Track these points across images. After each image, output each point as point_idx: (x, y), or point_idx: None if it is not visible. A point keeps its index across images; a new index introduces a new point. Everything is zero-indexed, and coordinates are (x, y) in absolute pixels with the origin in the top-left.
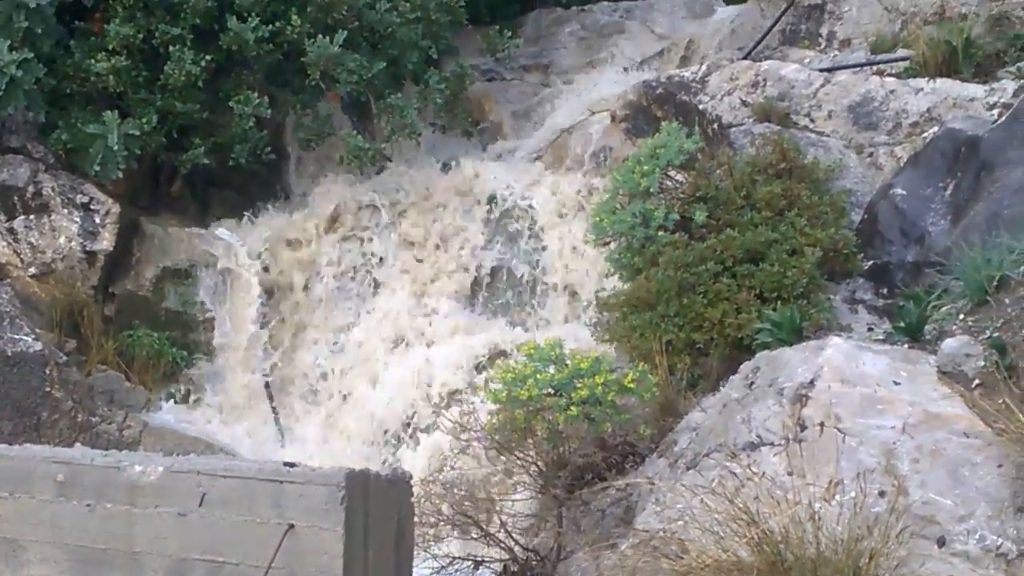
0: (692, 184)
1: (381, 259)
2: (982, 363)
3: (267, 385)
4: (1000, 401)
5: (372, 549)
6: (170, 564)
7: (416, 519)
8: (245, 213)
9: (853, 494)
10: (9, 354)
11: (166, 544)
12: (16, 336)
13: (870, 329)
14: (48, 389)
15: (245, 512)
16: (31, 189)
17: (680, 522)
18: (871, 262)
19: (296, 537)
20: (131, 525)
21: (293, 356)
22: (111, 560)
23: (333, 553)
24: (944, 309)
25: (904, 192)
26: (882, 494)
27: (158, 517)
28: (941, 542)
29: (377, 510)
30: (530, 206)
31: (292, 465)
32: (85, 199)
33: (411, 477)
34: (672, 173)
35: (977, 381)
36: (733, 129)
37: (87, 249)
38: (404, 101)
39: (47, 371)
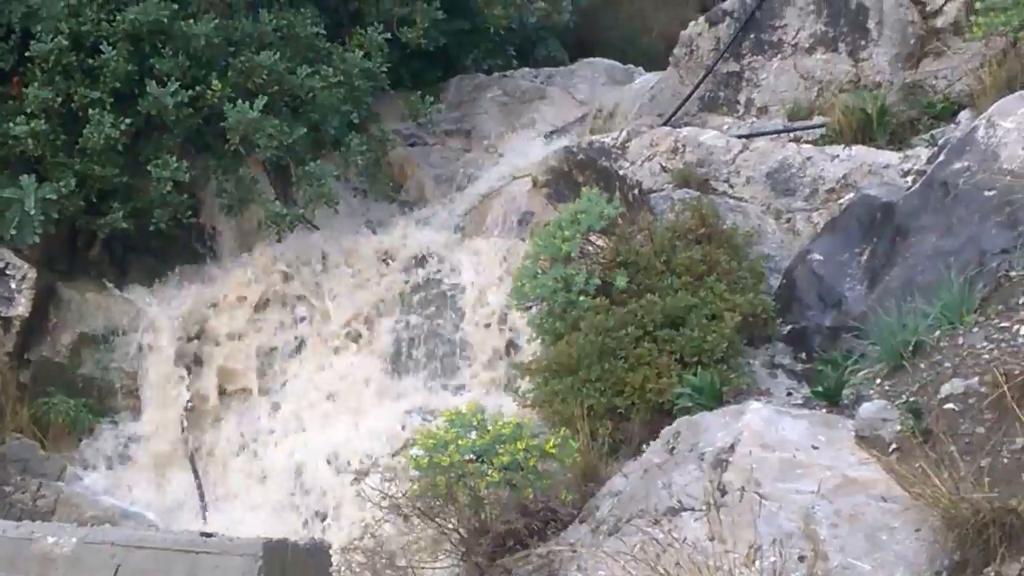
0: (613, 249)
1: (304, 326)
2: (899, 427)
3: (191, 456)
4: (916, 465)
5: None
6: None
7: None
8: (166, 276)
9: (773, 559)
10: None
11: None
12: None
13: (789, 393)
14: None
15: None
16: None
17: None
18: (789, 327)
19: None
20: None
21: (215, 424)
22: None
23: None
24: (861, 374)
25: (821, 258)
26: (802, 559)
27: None
28: None
29: None
30: (452, 270)
31: (209, 535)
32: (0, 264)
33: (330, 546)
34: (593, 238)
35: (894, 445)
36: (653, 194)
37: (2, 315)
38: (322, 169)
39: None
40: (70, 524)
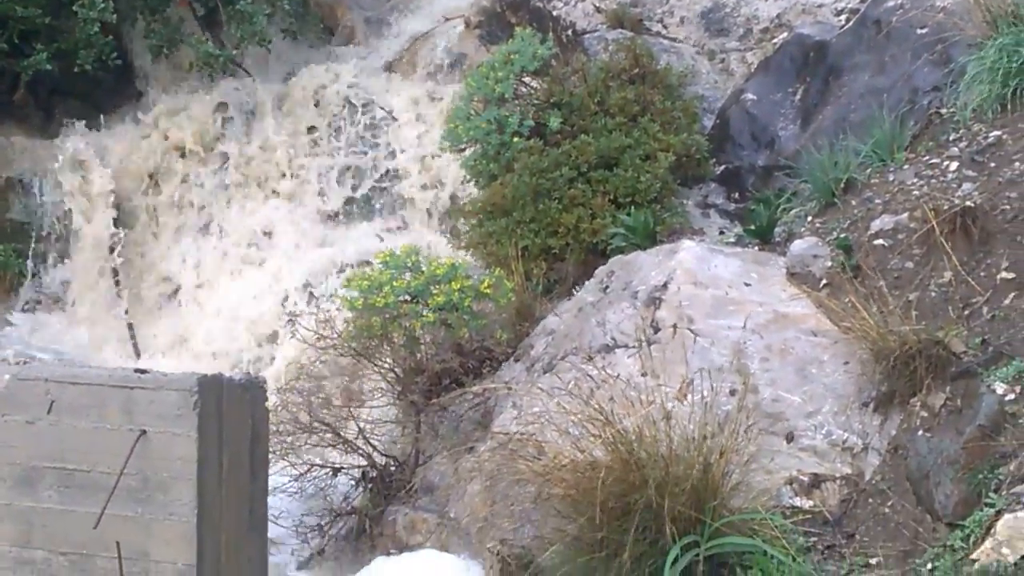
0: (546, 90)
1: (236, 166)
2: (829, 263)
3: (118, 295)
4: (846, 300)
5: (226, 453)
6: (19, 472)
7: (274, 428)
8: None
9: (704, 393)
10: None
11: (15, 452)
12: None
13: (722, 232)
14: None
15: (95, 419)
16: None
17: (537, 424)
18: (723, 167)
19: (148, 443)
20: None
21: (146, 265)
22: None
23: (187, 458)
24: (793, 212)
25: (755, 97)
26: (732, 392)
27: (5, 426)
28: (790, 438)
29: (231, 414)
30: (384, 113)
31: (143, 372)
32: None
33: (265, 382)
34: (526, 79)
35: (824, 281)
36: (587, 35)
37: None
38: (253, 7)
39: None
40: (2, 363)
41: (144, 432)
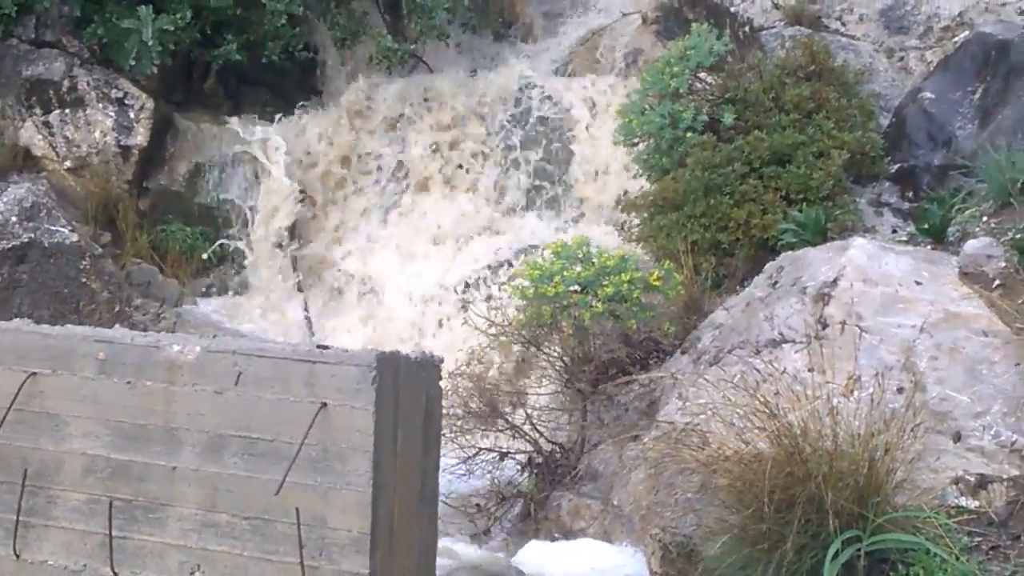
0: (721, 86)
1: (414, 158)
2: (1003, 264)
3: (297, 285)
4: (1020, 301)
5: (402, 427)
6: (207, 440)
7: (444, 411)
8: (278, 108)
9: (871, 390)
10: (46, 244)
11: (203, 420)
12: (53, 227)
13: (894, 231)
14: (84, 280)
15: (279, 391)
16: (66, 83)
17: (702, 415)
18: (898, 165)
19: (328, 415)
20: (169, 402)
21: (323, 253)
22: (150, 435)
23: (364, 430)
24: (968, 211)
25: (933, 96)
26: (900, 390)
27: (195, 395)
28: (957, 437)
29: (407, 391)
30: (560, 108)
31: (324, 347)
32: (119, 94)
33: (440, 361)
34: (702, 75)
35: (997, 282)
36: (763, 32)
37: (121, 144)
38: (434, 1)
39: (83, 262)
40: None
41: (324, 405)
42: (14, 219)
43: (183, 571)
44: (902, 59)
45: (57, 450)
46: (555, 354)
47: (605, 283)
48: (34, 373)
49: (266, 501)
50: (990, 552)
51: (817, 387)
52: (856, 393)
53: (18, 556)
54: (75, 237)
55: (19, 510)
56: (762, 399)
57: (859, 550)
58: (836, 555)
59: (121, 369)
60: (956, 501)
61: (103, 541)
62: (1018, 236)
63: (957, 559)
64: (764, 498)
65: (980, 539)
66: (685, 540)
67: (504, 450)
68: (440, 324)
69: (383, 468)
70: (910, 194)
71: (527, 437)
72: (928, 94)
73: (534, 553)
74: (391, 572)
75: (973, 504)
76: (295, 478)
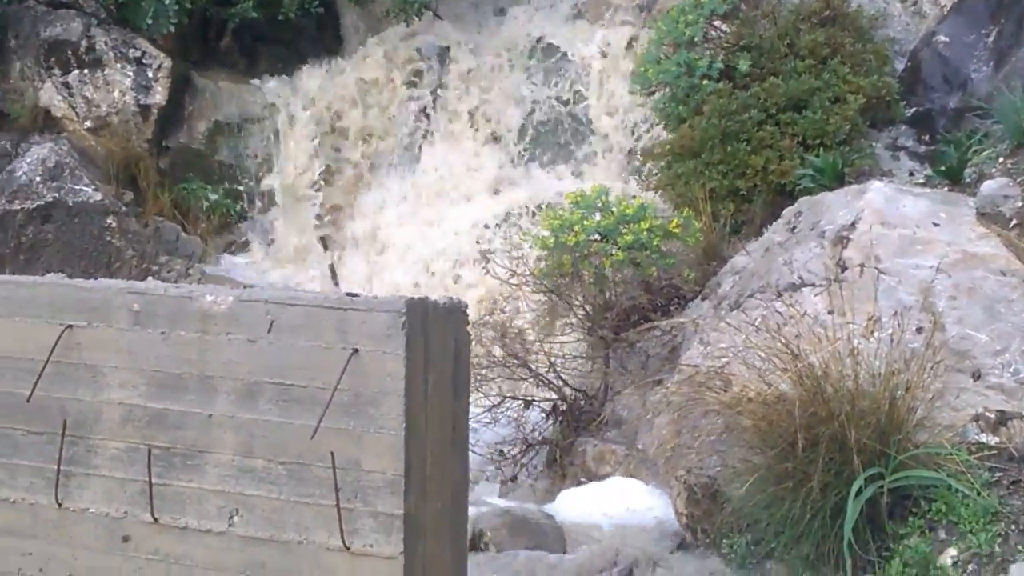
0: (736, 33)
1: (431, 112)
2: (1020, 204)
3: (321, 239)
4: None
5: (431, 372)
6: (242, 387)
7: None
8: (295, 65)
9: (891, 331)
10: (71, 204)
11: (237, 369)
12: (76, 187)
13: (911, 174)
14: (109, 238)
15: (312, 338)
16: (84, 44)
17: (724, 359)
18: (913, 109)
19: (360, 361)
20: (204, 351)
21: (345, 207)
22: (185, 384)
23: (395, 375)
24: (985, 153)
25: (947, 39)
26: (919, 330)
27: (229, 344)
28: (976, 375)
29: (435, 335)
30: (575, 57)
31: (354, 295)
32: (137, 53)
33: (466, 306)
34: (716, 23)
35: (1014, 221)
36: None
37: (141, 103)
38: None
39: (107, 221)
40: (224, 287)
41: (356, 351)
42: (38, 179)
43: (222, 516)
44: (916, 3)
45: (95, 400)
46: (577, 303)
47: (625, 231)
48: (70, 326)
49: (301, 446)
50: (1011, 487)
51: (837, 329)
52: (876, 334)
53: (60, 505)
54: (99, 196)
55: (60, 460)
56: (783, 341)
57: (882, 487)
58: (859, 492)
59: (155, 320)
60: (976, 438)
61: (143, 488)
62: None
63: (978, 494)
64: (788, 438)
65: (1000, 474)
66: (710, 481)
67: (529, 398)
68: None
69: (414, 411)
70: (926, 137)
71: (551, 385)
72: (942, 37)
73: (565, 499)
74: (425, 513)
75: (993, 440)
76: (329, 423)
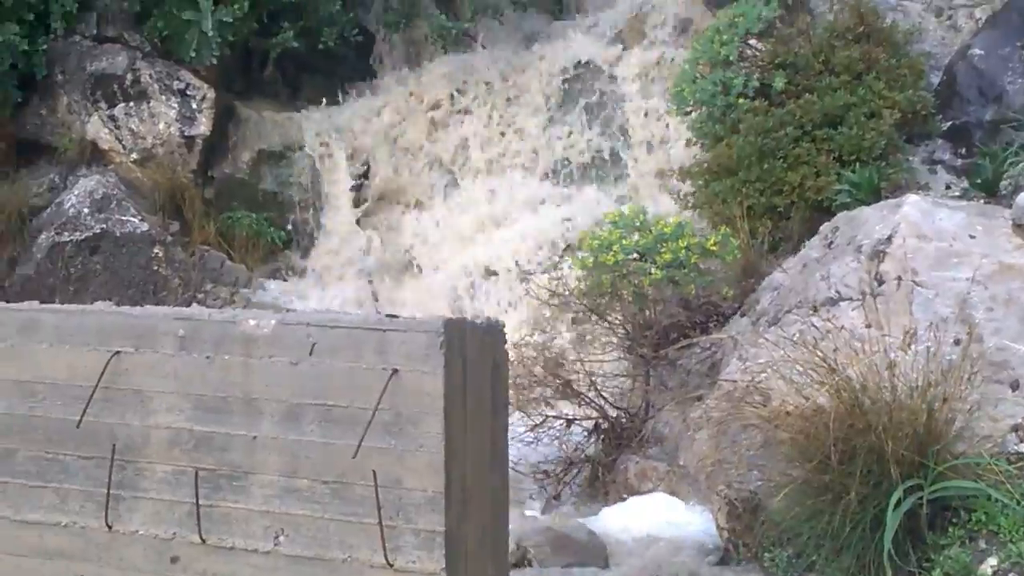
0: (771, 51)
1: (471, 135)
2: None
3: (365, 265)
4: None
5: (470, 391)
6: (285, 409)
7: (511, 380)
8: (336, 93)
9: (928, 343)
10: (118, 234)
11: (280, 391)
12: (124, 218)
13: (948, 188)
14: (156, 267)
15: (352, 359)
16: (129, 77)
17: (763, 374)
18: (949, 123)
19: (400, 381)
20: (247, 374)
21: (387, 234)
22: (230, 407)
23: (435, 394)
24: (1021, 165)
25: (982, 52)
26: (957, 342)
27: (272, 366)
28: (1015, 386)
29: (474, 355)
30: (612, 78)
31: (394, 316)
32: (181, 85)
33: (504, 325)
34: (751, 41)
35: None
36: None
37: (185, 134)
38: None
39: (154, 250)
40: (267, 311)
41: (396, 371)
42: (86, 211)
43: (268, 536)
44: (950, 17)
45: (143, 425)
46: (617, 321)
47: (663, 250)
48: (118, 352)
49: (344, 465)
50: None
51: (875, 342)
52: (913, 347)
53: (110, 527)
54: (145, 226)
55: (109, 483)
56: (821, 355)
57: (921, 498)
58: (899, 503)
59: (200, 345)
60: (1016, 448)
61: (191, 510)
62: None
63: (1018, 503)
64: (826, 450)
65: None
66: (751, 495)
67: (571, 417)
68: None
69: (454, 430)
70: (963, 151)
71: (593, 404)
72: (977, 50)
73: (607, 515)
74: (466, 529)
75: None
76: (370, 442)
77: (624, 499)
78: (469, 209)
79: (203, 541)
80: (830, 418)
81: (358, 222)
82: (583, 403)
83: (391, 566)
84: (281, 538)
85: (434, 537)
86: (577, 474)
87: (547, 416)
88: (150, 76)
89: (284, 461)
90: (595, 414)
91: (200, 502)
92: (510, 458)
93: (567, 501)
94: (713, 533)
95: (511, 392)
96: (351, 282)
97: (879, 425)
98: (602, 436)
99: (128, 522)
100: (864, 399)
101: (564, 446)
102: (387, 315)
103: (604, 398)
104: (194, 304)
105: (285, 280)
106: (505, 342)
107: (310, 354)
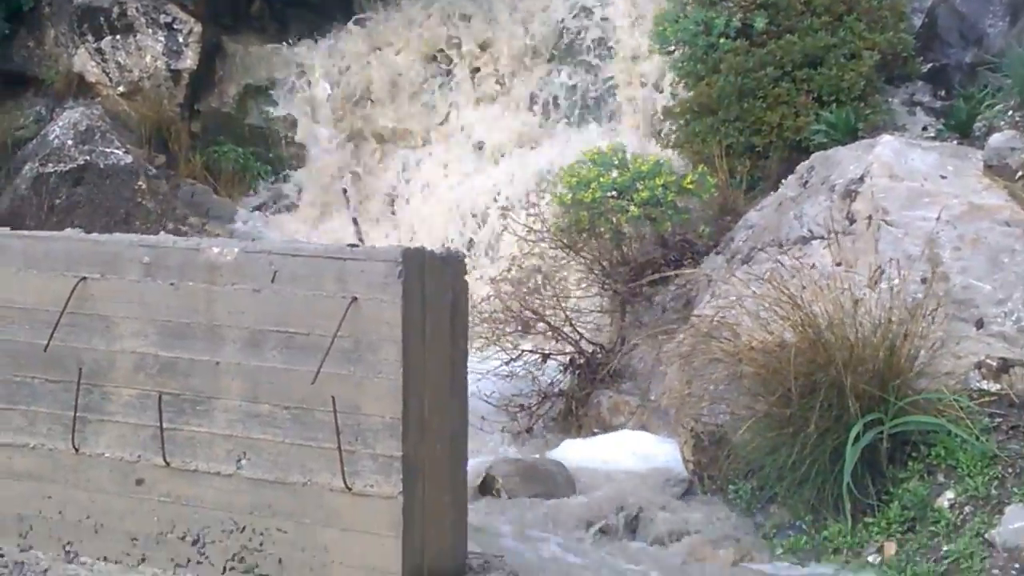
0: None
1: (457, 74)
2: None
3: (344, 191)
4: None
5: (429, 319)
6: (247, 335)
7: (487, 315)
8: (324, 29)
9: (895, 280)
10: (102, 166)
11: (243, 318)
12: (108, 150)
13: (925, 129)
14: (140, 200)
15: (313, 288)
16: (116, 10)
17: (732, 310)
18: (930, 65)
19: (359, 309)
20: (211, 301)
21: (370, 168)
22: (194, 333)
23: (393, 322)
24: (997, 108)
25: None
26: (923, 280)
27: (235, 294)
28: (979, 324)
29: (432, 284)
30: (600, 18)
31: (354, 246)
32: (168, 19)
33: (464, 256)
34: None
35: (1020, 173)
36: None
37: (172, 68)
38: None
39: (138, 183)
40: (232, 239)
41: (355, 299)
42: (70, 142)
43: (230, 459)
44: None
45: (108, 349)
46: (593, 258)
47: (640, 188)
48: (84, 278)
49: (304, 391)
50: (1010, 432)
51: (842, 280)
52: (880, 284)
53: (77, 450)
54: (129, 159)
55: (76, 407)
56: (787, 291)
57: (881, 432)
58: (858, 437)
59: (165, 272)
60: (978, 384)
61: (155, 433)
62: None
63: (977, 439)
64: (787, 384)
65: (1000, 420)
66: (716, 429)
67: (546, 351)
68: (471, 238)
69: (412, 357)
70: (942, 93)
71: (568, 339)
72: None
73: (571, 447)
74: (423, 456)
75: (995, 387)
76: (330, 369)
77: (595, 433)
78: (455, 148)
79: (167, 464)
80: (792, 352)
81: (341, 156)
82: (559, 338)
83: (349, 490)
84: (243, 461)
85: (391, 462)
86: (551, 408)
87: (523, 351)
88: (137, 9)
89: (246, 386)
90: (571, 349)
91: (164, 426)
92: (483, 393)
93: (540, 434)
94: (680, 466)
95: (487, 326)
96: (337, 218)
97: (841, 360)
98: (577, 371)
99: (94, 445)
100: (828, 335)
101: (539, 380)
102: (348, 245)
103: (580, 333)
104: (161, 232)
105: (271, 215)
106: (465, 272)
107: (272, 282)
